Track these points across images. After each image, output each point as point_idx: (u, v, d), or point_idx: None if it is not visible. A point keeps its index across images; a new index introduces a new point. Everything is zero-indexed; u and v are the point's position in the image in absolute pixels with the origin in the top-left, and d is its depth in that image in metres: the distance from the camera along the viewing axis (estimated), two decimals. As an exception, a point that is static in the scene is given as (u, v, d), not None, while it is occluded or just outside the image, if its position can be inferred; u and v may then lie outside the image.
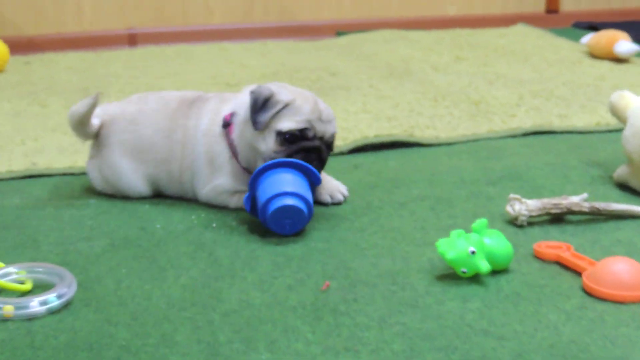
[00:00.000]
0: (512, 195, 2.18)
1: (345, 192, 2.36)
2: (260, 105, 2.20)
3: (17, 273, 1.85)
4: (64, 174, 2.62)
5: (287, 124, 2.20)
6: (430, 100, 3.36)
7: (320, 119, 2.23)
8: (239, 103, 2.29)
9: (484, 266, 1.83)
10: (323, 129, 2.24)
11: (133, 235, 2.14)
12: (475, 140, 2.90)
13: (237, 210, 2.29)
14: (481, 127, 3.01)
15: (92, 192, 2.44)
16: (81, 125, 2.38)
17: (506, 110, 3.20)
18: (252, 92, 2.23)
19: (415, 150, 2.83)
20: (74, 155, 2.76)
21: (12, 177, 2.59)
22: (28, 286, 1.80)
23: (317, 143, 2.22)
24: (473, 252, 1.83)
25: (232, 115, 2.29)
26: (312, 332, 1.65)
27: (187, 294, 1.82)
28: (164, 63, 4.25)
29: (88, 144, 2.47)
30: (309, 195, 2.12)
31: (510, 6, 5.26)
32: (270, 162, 2.15)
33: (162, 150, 2.36)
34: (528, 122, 3.04)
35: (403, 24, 4.99)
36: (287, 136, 2.19)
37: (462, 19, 5.13)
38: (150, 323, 1.69)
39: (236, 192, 2.30)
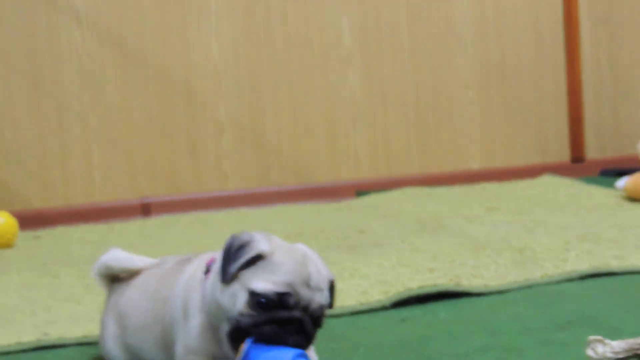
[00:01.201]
0: (592, 337, 1.90)
1: None
2: (233, 252, 1.80)
3: None
4: (79, 344, 2.35)
5: (263, 284, 1.76)
6: (471, 250, 3.12)
7: (307, 284, 1.79)
8: None
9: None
10: (309, 298, 1.78)
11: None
12: (529, 287, 2.65)
13: None
14: (533, 273, 2.76)
15: None
16: (104, 277, 2.16)
17: (556, 255, 2.95)
18: (230, 237, 1.84)
19: (465, 300, 2.57)
20: (89, 323, 2.50)
21: (22, 349, 2.33)
22: None
23: (297, 314, 1.76)
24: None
25: (213, 261, 1.91)
26: None
27: None
28: (180, 232, 4.04)
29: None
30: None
31: (534, 157, 5.09)
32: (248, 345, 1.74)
33: (146, 315, 2.04)
34: (583, 265, 2.79)
35: (425, 181, 4.81)
36: (261, 300, 1.75)
37: (485, 172, 4.96)
38: None
39: (205, 356, 1.88)
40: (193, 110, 4.64)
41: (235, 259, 1.79)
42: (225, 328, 1.81)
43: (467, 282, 2.69)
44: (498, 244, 3.19)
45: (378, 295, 2.62)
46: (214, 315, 1.85)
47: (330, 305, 1.87)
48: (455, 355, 2.05)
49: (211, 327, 1.88)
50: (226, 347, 1.87)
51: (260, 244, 1.80)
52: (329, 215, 4.14)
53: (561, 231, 3.35)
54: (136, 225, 4.24)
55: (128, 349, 2.09)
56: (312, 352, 1.90)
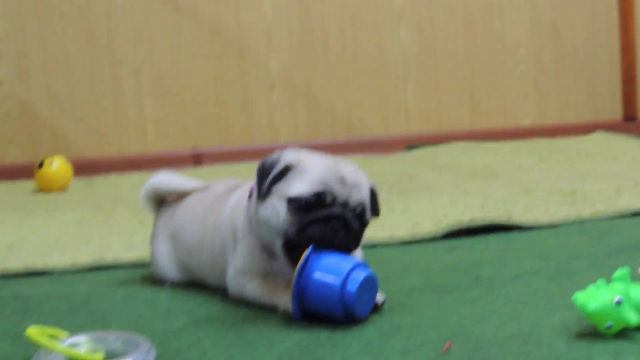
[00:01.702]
0: (644, 256, 1.90)
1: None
2: (265, 170, 1.85)
3: (86, 343, 1.60)
4: (135, 265, 2.39)
5: (297, 188, 1.80)
6: (522, 194, 3.11)
7: (342, 182, 1.82)
8: None
9: (634, 318, 1.54)
10: (346, 194, 1.81)
11: (215, 312, 1.89)
12: (580, 222, 2.64)
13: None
14: (584, 211, 2.75)
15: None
16: (152, 199, 2.19)
17: (607, 197, 2.94)
18: (262, 159, 1.90)
19: (515, 234, 2.57)
20: (142, 250, 2.54)
21: (78, 270, 2.37)
22: (99, 356, 1.54)
23: (337, 210, 1.80)
24: (619, 302, 1.55)
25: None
26: (440, 392, 1.37)
27: (284, 361, 1.55)
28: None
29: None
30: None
31: (585, 115, 5.05)
32: (308, 252, 1.76)
33: (195, 238, 2.09)
34: (635, 203, 2.77)
35: (475, 137, 4.79)
36: (302, 203, 1.79)
37: (536, 129, 4.93)
38: (244, 388, 1.42)
39: (256, 276, 1.92)
40: (245, 65, 4.67)
41: (267, 175, 1.83)
42: (277, 244, 1.84)
43: (519, 218, 2.68)
44: (549, 188, 3.18)
45: (429, 227, 2.63)
46: (263, 235, 1.88)
47: (376, 212, 1.89)
48: (505, 276, 2.06)
49: (261, 247, 1.91)
50: (280, 263, 1.90)
51: (288, 156, 1.85)
52: (380, 166, 4.15)
53: (613, 178, 3.33)
54: (187, 174, 4.27)
55: (182, 266, 2.12)
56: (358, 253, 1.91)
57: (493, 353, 1.52)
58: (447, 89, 4.89)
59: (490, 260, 2.22)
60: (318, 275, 1.74)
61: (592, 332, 1.59)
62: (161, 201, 2.26)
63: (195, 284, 2.11)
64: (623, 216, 2.68)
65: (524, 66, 4.99)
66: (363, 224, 1.84)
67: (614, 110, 5.09)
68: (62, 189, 3.91)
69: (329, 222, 1.79)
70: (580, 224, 2.62)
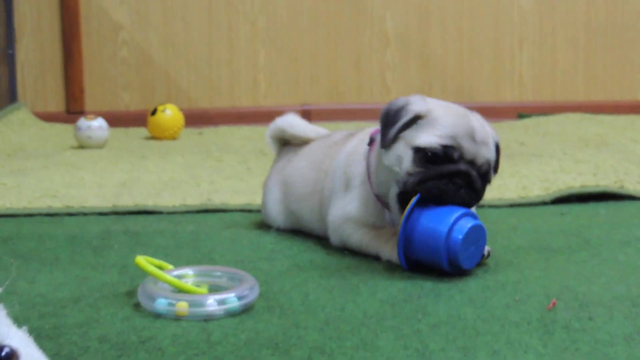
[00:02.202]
0: None
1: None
2: (391, 117, 1.80)
3: (192, 276, 1.62)
4: (242, 210, 2.42)
5: (425, 138, 1.75)
6: (636, 164, 3.03)
7: (471, 137, 1.77)
8: None
9: None
10: (474, 151, 1.76)
11: (319, 258, 1.90)
12: (696, 195, 2.56)
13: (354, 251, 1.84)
14: (703, 184, 2.67)
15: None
16: (276, 139, 2.22)
17: None
18: (387, 104, 1.84)
19: (627, 203, 2.50)
20: (250, 195, 2.56)
21: (187, 211, 2.41)
22: (204, 290, 1.57)
23: (463, 167, 1.75)
24: None
25: (377, 132, 1.91)
26: (544, 346, 1.34)
27: (386, 307, 1.54)
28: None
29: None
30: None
31: None
32: (415, 199, 1.73)
33: (308, 184, 2.07)
34: None
35: (590, 108, 4.68)
36: (428, 154, 1.75)
37: (654, 104, 4.80)
38: (345, 329, 1.42)
39: (363, 225, 1.90)
40: (360, 21, 4.65)
41: (394, 122, 1.79)
42: (393, 191, 1.82)
43: (632, 187, 2.62)
44: (665, 160, 3.10)
45: (538, 191, 2.59)
46: (381, 183, 1.86)
47: (495, 168, 1.86)
48: (614, 241, 2.01)
49: (372, 198, 1.90)
50: (391, 214, 1.88)
51: (417, 105, 1.80)
52: (490, 131, 4.09)
53: None
54: (297, 130, 4.29)
55: (290, 214, 2.13)
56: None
57: (599, 312, 1.49)
58: (563, 56, 4.79)
59: (600, 225, 2.18)
60: (424, 222, 1.72)
61: None
62: (285, 142, 2.26)
63: (300, 232, 2.12)
64: None
65: (645, 37, 4.84)
66: (486, 181, 1.80)
67: None
68: (174, 137, 3.96)
69: (452, 178, 1.75)
70: (697, 197, 2.55)
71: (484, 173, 1.79)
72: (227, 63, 4.56)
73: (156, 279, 1.55)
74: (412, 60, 4.68)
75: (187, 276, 1.62)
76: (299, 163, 2.14)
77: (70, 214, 2.36)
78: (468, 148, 1.76)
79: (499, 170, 2.83)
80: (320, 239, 2.05)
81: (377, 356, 1.31)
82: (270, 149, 2.30)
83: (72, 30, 4.44)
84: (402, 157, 1.79)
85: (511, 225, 2.20)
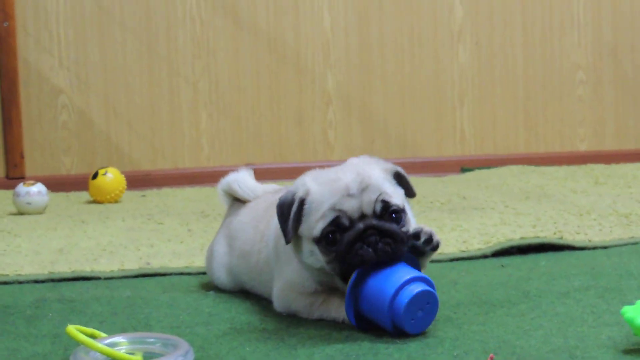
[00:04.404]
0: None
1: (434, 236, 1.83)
2: (285, 211, 1.80)
3: (125, 343, 1.59)
4: (181, 273, 2.39)
5: (316, 227, 1.76)
6: (575, 215, 3.06)
7: (348, 195, 1.75)
8: None
9: (684, 335, 1.50)
10: (357, 205, 1.74)
11: (256, 320, 1.88)
12: (634, 244, 2.58)
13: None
14: (639, 233, 2.69)
15: (211, 286, 2.20)
16: (227, 195, 2.22)
17: (664, 220, 2.88)
18: (278, 200, 1.84)
19: (566, 253, 2.52)
20: (190, 258, 2.54)
21: (125, 276, 2.37)
22: (138, 358, 1.54)
23: (359, 227, 1.73)
24: (669, 319, 1.51)
25: None
26: (480, 403, 1.33)
27: (323, 368, 1.53)
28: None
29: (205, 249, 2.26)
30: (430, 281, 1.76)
31: (645, 141, 4.97)
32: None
33: (247, 242, 2.06)
34: (693, 227, 2.72)
35: (530, 160, 4.73)
36: (329, 237, 1.74)
37: (593, 154, 4.85)
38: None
39: (307, 292, 1.87)
40: (302, 81, 4.67)
41: (288, 216, 1.78)
42: (333, 271, 1.79)
43: (570, 238, 2.64)
44: (604, 210, 3.12)
45: (479, 244, 2.59)
46: (308, 265, 1.84)
47: (411, 192, 1.85)
48: (555, 292, 2.02)
49: (309, 269, 1.86)
50: (330, 278, 1.86)
51: (299, 191, 1.79)
52: (432, 185, 4.11)
53: (672, 203, 3.27)
54: (240, 190, 4.28)
55: (231, 273, 2.11)
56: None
57: (537, 367, 1.49)
58: (503, 111, 4.84)
59: (540, 277, 2.19)
60: (372, 281, 1.71)
61: (639, 348, 1.55)
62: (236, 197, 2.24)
63: (240, 293, 2.10)
64: (680, 239, 2.62)
65: (583, 89, 4.92)
66: (398, 216, 1.77)
67: (675, 137, 5.00)
68: (115, 200, 3.93)
69: (363, 239, 1.73)
70: (633, 245, 2.57)
71: (383, 212, 1.76)
72: (169, 125, 4.55)
73: (88, 348, 1.52)
74: (354, 117, 4.70)
75: (121, 344, 1.59)
76: (243, 218, 2.13)
77: (5, 283, 2.32)
78: (349, 206, 1.75)
79: (441, 225, 2.86)
80: (258, 299, 2.03)
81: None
82: (221, 203, 2.28)
83: (11, 96, 4.40)
84: (314, 252, 1.79)
85: (451, 280, 2.20)
